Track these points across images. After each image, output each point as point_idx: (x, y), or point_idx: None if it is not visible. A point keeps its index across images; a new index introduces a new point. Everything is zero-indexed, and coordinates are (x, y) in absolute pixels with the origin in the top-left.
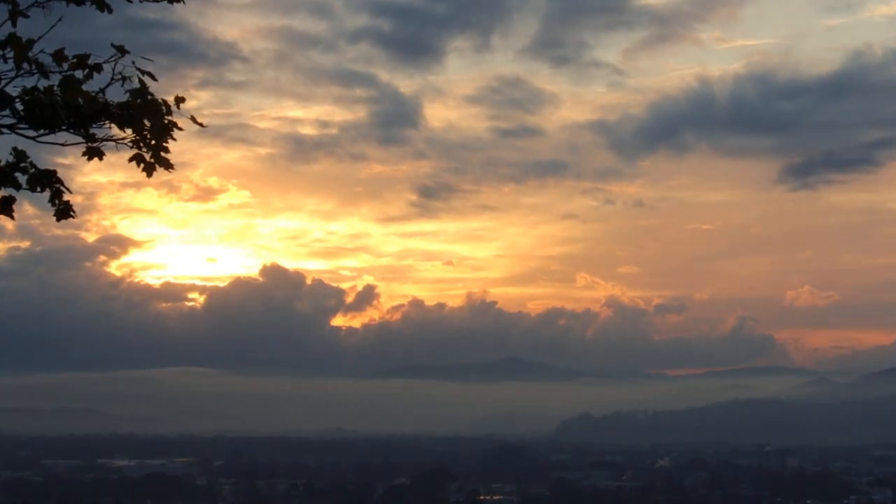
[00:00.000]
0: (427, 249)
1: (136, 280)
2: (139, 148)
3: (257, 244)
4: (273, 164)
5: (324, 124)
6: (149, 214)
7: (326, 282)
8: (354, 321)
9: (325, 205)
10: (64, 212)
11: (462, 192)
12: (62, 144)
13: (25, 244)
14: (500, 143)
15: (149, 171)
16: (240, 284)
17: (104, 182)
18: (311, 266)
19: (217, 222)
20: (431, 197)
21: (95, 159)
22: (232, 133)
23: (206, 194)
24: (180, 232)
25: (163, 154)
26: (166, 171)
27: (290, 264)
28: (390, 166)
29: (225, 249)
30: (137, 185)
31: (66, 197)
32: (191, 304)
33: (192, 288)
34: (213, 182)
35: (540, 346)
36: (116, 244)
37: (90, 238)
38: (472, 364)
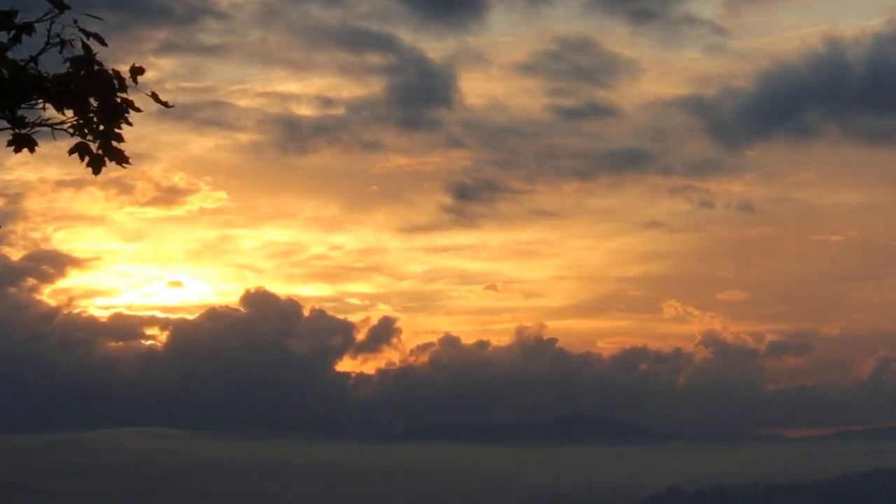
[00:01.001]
0: (464, 269)
1: (77, 311)
2: (83, 135)
3: (237, 263)
4: (258, 155)
5: (326, 102)
6: (93, 223)
7: (329, 313)
8: (367, 365)
9: (328, 210)
10: None
11: (510, 193)
12: None
13: None
14: (562, 127)
15: (96, 166)
16: (214, 317)
17: (33, 180)
18: (308, 292)
19: (184, 234)
20: (469, 199)
21: (24, 150)
22: (204, 114)
23: (170, 196)
24: (135, 247)
25: (114, 143)
26: (119, 166)
27: (282, 290)
28: (415, 158)
29: (194, 270)
30: (78, 185)
31: None
32: (149, 342)
33: (152, 321)
34: (179, 180)
35: (614, 398)
36: (50, 263)
37: (14, 255)
38: (525, 423)
